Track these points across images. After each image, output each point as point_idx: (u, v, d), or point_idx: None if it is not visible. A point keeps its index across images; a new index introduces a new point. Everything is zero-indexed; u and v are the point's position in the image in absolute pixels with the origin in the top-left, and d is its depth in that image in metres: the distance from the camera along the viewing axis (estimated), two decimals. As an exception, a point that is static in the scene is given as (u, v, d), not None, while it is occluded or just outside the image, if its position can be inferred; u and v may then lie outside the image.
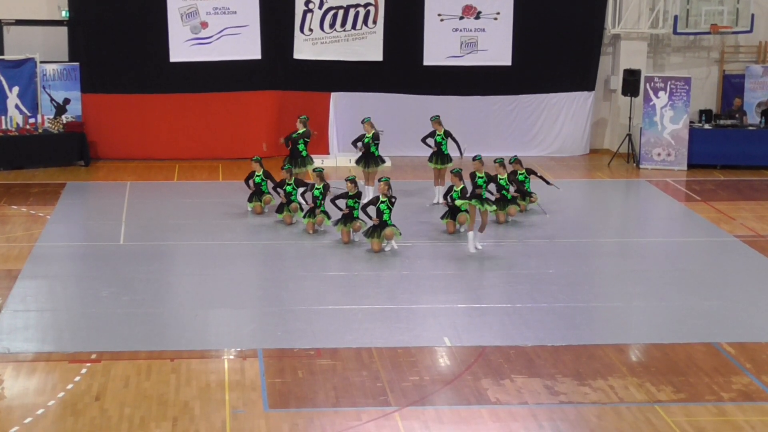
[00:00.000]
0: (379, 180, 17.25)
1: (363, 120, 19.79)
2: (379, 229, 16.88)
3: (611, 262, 17.07)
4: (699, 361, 12.80)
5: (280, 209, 18.57)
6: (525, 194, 19.22)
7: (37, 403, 11.47)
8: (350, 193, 17.30)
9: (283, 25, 23.91)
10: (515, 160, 19.63)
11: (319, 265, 16.46)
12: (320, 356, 12.79)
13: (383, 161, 19.74)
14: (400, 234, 17.02)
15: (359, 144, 19.72)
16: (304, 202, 18.56)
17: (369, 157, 19.64)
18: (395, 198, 17.07)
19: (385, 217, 16.90)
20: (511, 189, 18.82)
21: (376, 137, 19.58)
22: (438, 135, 19.76)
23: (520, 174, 19.42)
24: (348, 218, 17.31)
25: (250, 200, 19.22)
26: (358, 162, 19.92)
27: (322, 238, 17.77)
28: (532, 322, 14.02)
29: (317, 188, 17.92)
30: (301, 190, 18.58)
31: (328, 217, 17.94)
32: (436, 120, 19.92)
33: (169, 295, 15.34)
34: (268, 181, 19.15)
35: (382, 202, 16.89)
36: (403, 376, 12.26)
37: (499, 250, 17.44)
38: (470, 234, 16.99)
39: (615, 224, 19.70)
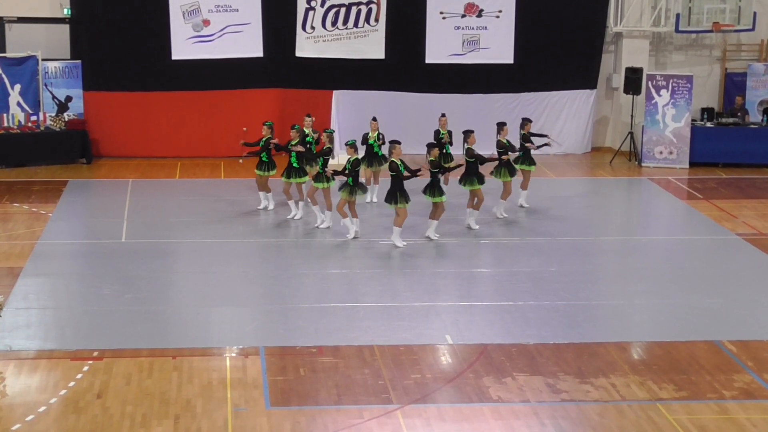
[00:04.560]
0: (390, 142, 17.24)
1: (374, 118, 19.84)
2: (404, 194, 16.83)
3: (613, 260, 17.07)
4: (701, 359, 12.81)
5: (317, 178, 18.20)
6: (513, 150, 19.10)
7: (39, 401, 11.47)
8: (351, 159, 17.32)
9: (285, 22, 23.92)
10: (527, 122, 19.63)
11: (321, 263, 16.47)
12: (322, 354, 12.80)
13: (386, 160, 19.76)
14: (408, 202, 16.99)
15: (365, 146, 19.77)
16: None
17: (372, 156, 19.66)
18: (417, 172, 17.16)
19: (401, 168, 16.87)
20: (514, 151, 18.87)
21: (380, 138, 19.64)
22: (442, 134, 19.71)
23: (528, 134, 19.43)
24: (353, 186, 17.31)
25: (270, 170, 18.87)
26: (361, 161, 19.89)
27: (323, 237, 17.76)
28: (534, 320, 14.02)
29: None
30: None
31: (328, 180, 17.92)
32: (443, 117, 19.92)
33: (171, 292, 15.34)
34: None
35: (401, 164, 16.87)
36: (405, 374, 12.26)
37: (500, 247, 17.44)
38: (433, 222, 17.37)
39: (617, 222, 19.69)
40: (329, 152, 18.20)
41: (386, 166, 19.53)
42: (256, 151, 18.93)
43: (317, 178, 18.00)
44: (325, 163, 17.93)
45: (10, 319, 13.81)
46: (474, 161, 17.89)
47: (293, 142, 18.52)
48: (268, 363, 12.51)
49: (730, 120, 23.85)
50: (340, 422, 11.09)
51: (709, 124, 23.80)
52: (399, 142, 17.21)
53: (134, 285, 15.21)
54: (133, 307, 14.37)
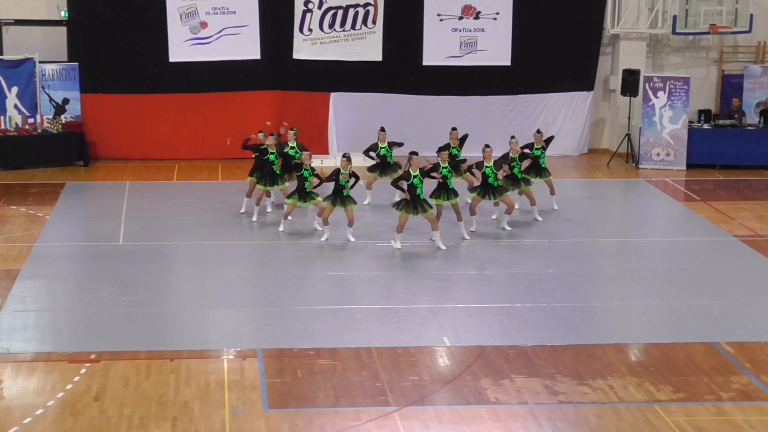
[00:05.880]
0: (409, 153, 17.14)
1: (384, 129, 19.84)
2: (413, 203, 16.78)
3: (610, 261, 17.08)
4: (698, 361, 12.81)
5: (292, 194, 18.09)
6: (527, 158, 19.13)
7: (37, 404, 11.47)
8: (343, 171, 17.28)
9: (283, 25, 23.93)
10: (538, 132, 19.73)
11: (319, 265, 16.47)
12: (320, 356, 12.80)
13: (398, 168, 19.78)
14: (417, 213, 16.93)
15: (371, 153, 19.71)
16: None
17: (385, 166, 19.67)
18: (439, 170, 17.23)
19: (419, 191, 16.85)
20: (524, 165, 18.82)
21: (392, 146, 19.67)
22: (453, 148, 19.56)
23: (536, 149, 19.37)
24: (339, 197, 17.25)
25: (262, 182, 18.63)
26: (372, 170, 19.84)
27: (321, 239, 17.73)
28: (532, 322, 14.03)
29: (306, 169, 17.74)
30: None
31: (317, 195, 17.81)
32: (454, 131, 19.81)
33: (169, 295, 15.34)
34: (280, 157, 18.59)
35: (415, 176, 16.83)
36: (403, 376, 12.26)
37: (498, 249, 17.45)
38: (436, 233, 17.18)
39: (614, 224, 19.71)
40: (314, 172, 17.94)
41: (398, 172, 19.52)
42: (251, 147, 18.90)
43: (300, 197, 17.68)
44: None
45: (7, 322, 13.82)
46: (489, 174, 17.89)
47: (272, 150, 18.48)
48: (266, 365, 12.51)
49: (727, 122, 23.87)
50: (337, 424, 11.09)
51: (706, 126, 23.82)
52: (416, 153, 17.13)
53: (132, 287, 15.20)
54: (131, 309, 14.36)
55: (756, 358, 12.93)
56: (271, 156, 18.51)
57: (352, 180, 17.47)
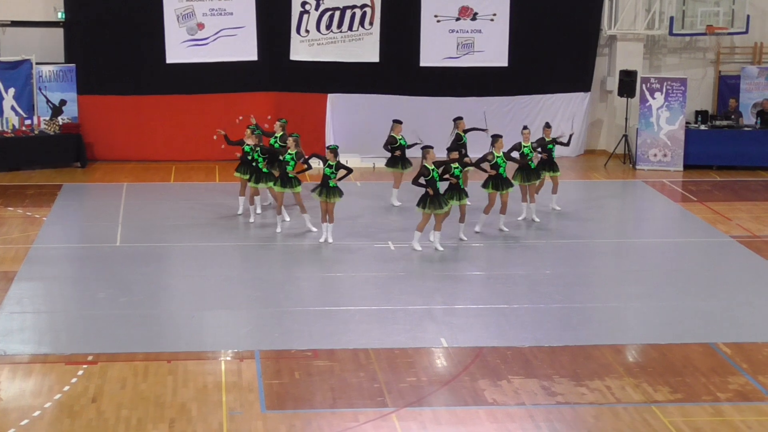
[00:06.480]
0: (423, 148, 17.01)
1: (400, 121, 19.84)
2: (436, 199, 16.72)
3: (608, 262, 17.09)
4: (696, 362, 12.82)
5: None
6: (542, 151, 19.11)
7: (34, 405, 11.46)
8: (330, 163, 17.20)
9: (280, 26, 23.92)
10: (547, 126, 19.72)
11: (316, 267, 16.47)
12: (317, 357, 12.80)
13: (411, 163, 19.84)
14: (441, 208, 16.84)
15: (389, 147, 19.69)
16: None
17: (404, 159, 19.66)
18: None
19: (438, 185, 16.80)
20: (535, 158, 18.81)
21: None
22: (464, 136, 19.63)
23: (548, 145, 19.41)
24: (325, 188, 17.22)
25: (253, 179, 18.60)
26: (392, 165, 19.82)
27: (317, 240, 17.73)
28: (529, 323, 14.03)
29: (289, 154, 17.70)
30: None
31: (298, 184, 17.78)
32: (461, 121, 19.82)
33: (166, 296, 15.33)
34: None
35: (433, 170, 16.77)
36: (400, 377, 12.26)
37: (495, 250, 17.45)
38: (437, 233, 17.04)
39: (611, 225, 19.70)
40: (300, 156, 17.86)
41: (412, 169, 19.51)
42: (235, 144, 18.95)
43: (284, 182, 17.72)
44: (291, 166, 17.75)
45: (4, 324, 13.80)
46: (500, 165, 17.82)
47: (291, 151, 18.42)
48: (264, 366, 12.51)
49: (724, 122, 23.88)
50: (335, 425, 11.09)
51: (703, 127, 23.84)
52: (432, 147, 17.04)
53: (129, 289, 15.20)
54: (128, 310, 14.35)
55: (753, 359, 12.94)
56: (255, 154, 18.42)
57: (342, 172, 17.37)
